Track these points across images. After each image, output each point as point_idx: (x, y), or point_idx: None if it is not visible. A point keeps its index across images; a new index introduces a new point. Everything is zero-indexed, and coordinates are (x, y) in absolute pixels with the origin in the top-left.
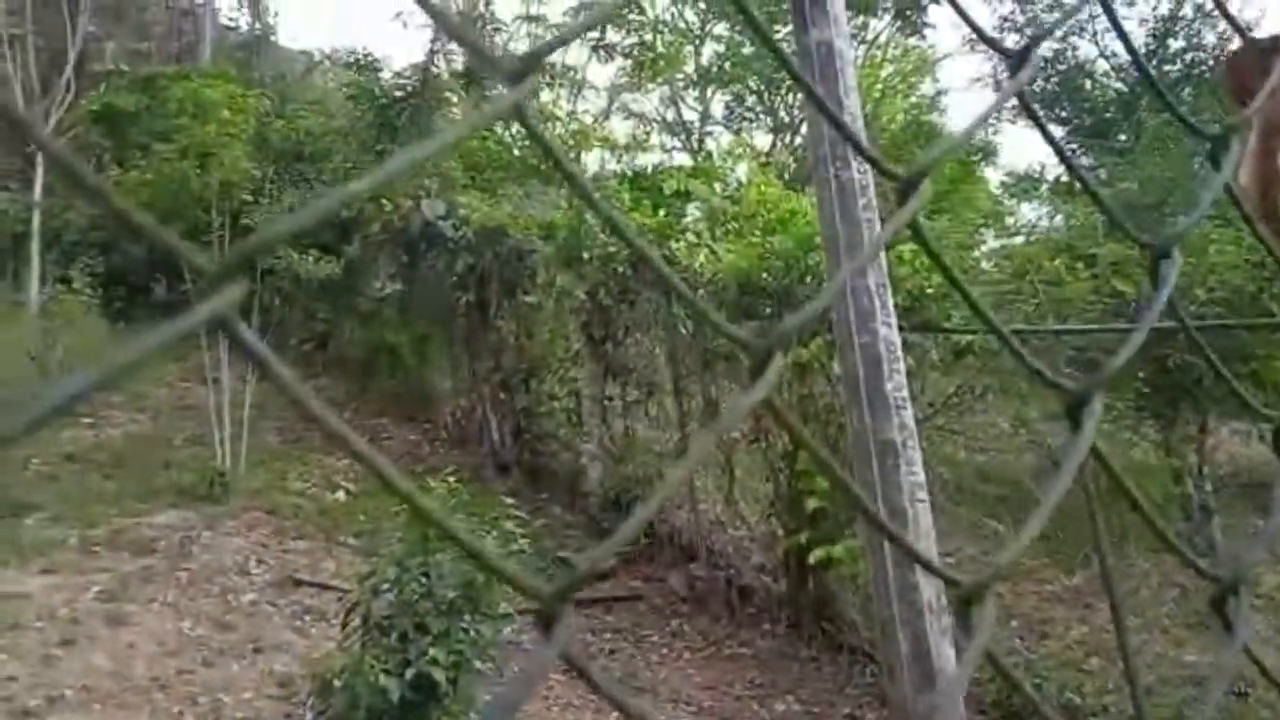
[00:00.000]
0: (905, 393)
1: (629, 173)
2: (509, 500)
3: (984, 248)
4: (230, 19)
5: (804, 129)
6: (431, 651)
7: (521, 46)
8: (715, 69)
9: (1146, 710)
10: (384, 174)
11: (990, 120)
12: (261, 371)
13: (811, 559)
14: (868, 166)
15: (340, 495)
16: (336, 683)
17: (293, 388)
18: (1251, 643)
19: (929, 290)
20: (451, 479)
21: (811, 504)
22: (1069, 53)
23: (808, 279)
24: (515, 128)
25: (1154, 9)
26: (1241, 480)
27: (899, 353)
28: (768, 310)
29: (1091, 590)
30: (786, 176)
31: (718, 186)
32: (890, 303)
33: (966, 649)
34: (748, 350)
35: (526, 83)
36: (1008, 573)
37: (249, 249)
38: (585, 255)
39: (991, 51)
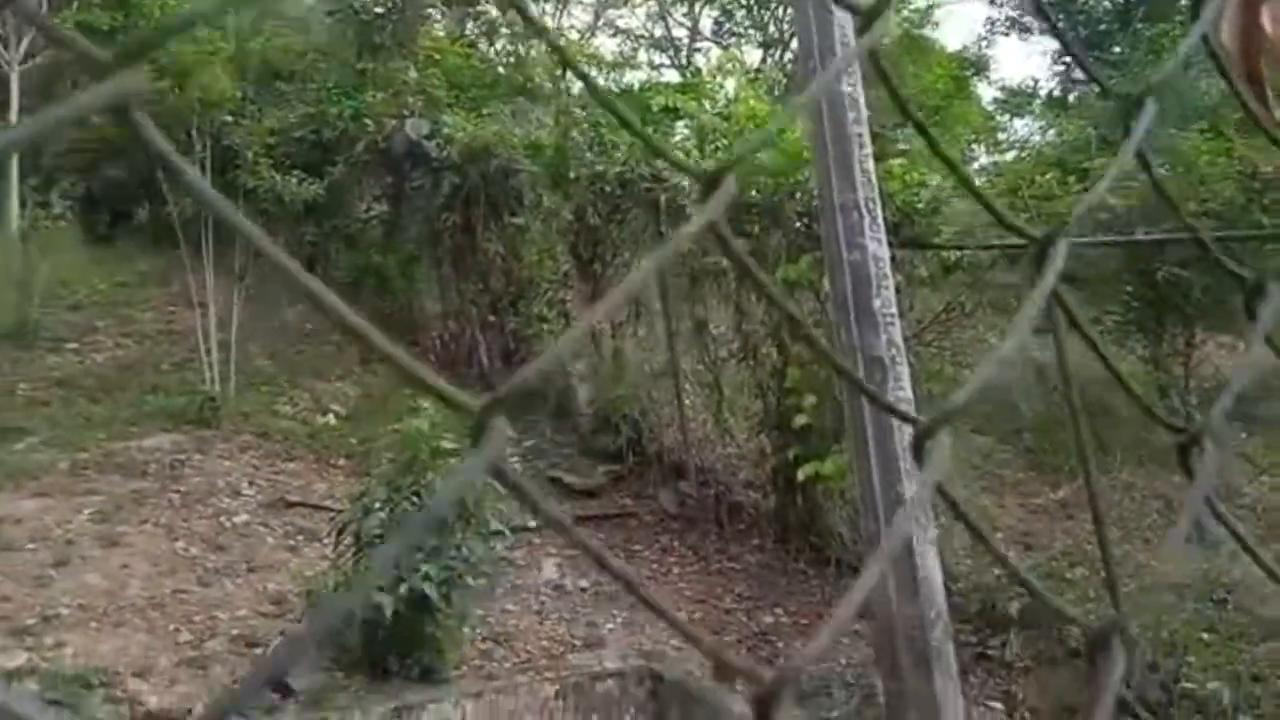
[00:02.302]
0: (894, 309)
1: (616, 90)
2: None
3: (976, 164)
4: None
5: (794, 44)
6: (424, 568)
7: None
8: None
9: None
10: None
11: (982, 34)
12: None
13: (800, 475)
14: (858, 80)
15: (330, 419)
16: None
17: (244, 226)
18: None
19: (919, 206)
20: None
21: (800, 420)
22: None
23: (797, 195)
24: (499, 44)
25: None
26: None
27: (888, 269)
28: (756, 227)
29: (1076, 503)
30: (776, 92)
31: (706, 103)
32: (880, 218)
33: (921, 483)
34: (697, 178)
35: None
36: (960, 413)
37: (148, 38)
38: (572, 174)
39: None
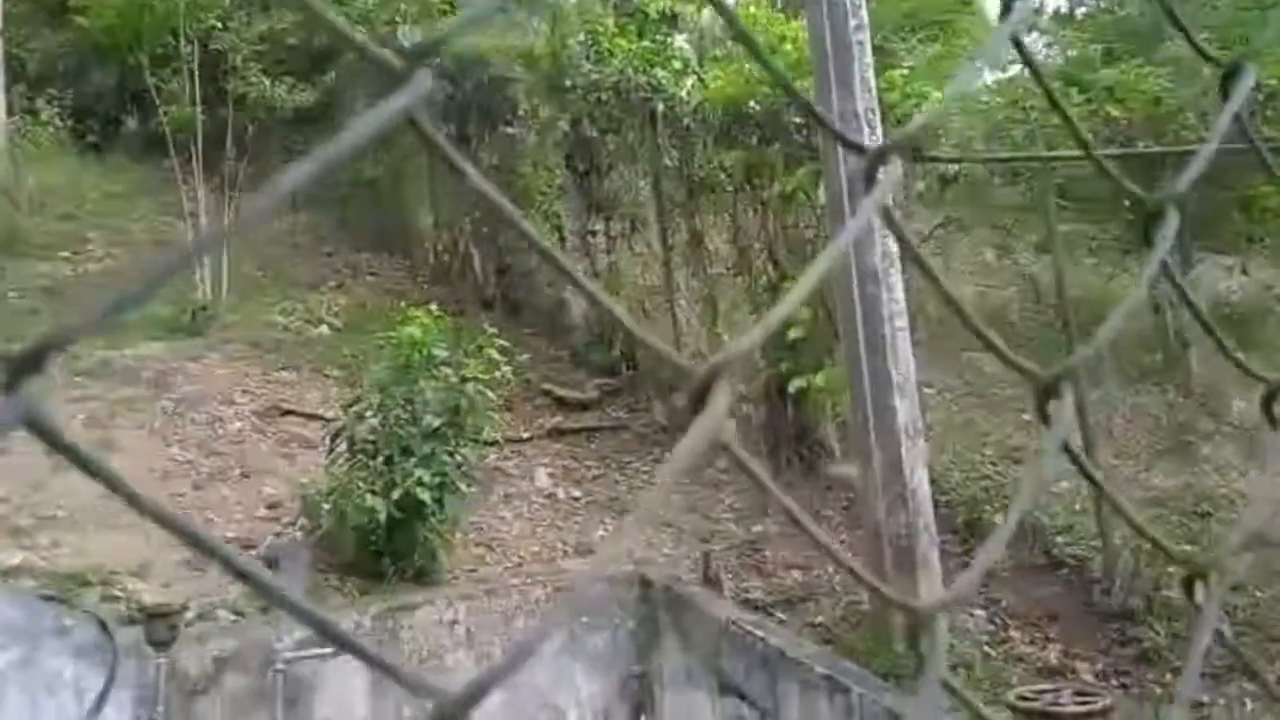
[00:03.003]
0: None
1: None
2: (492, 330)
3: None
4: None
5: None
6: (417, 473)
7: None
8: None
9: (1110, 527)
10: None
11: None
12: None
13: (791, 388)
14: None
15: (324, 329)
16: (324, 504)
17: None
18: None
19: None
20: (434, 309)
21: (793, 334)
22: None
23: (794, 106)
24: None
25: None
26: (1222, 312)
27: None
28: (755, 139)
29: None
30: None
31: (706, 11)
32: (880, 129)
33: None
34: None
35: None
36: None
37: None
38: (568, 84)
39: None
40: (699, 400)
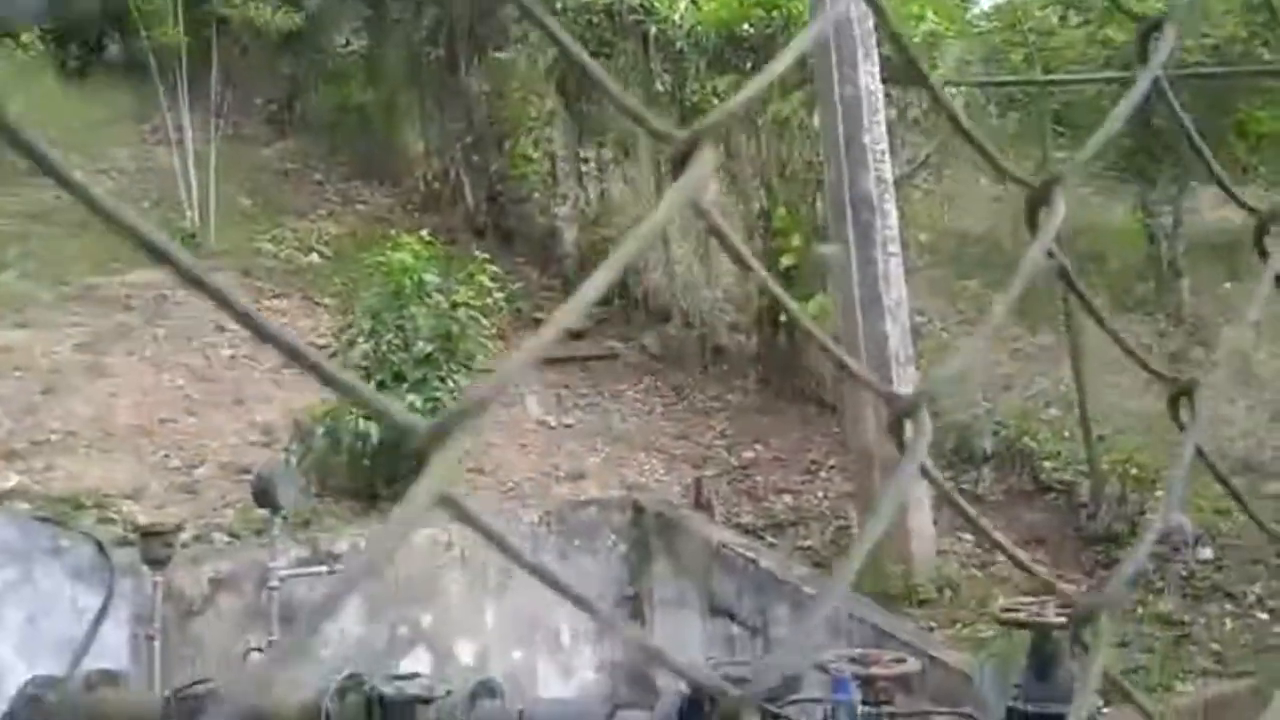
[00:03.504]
0: (885, 145)
1: None
2: (484, 256)
3: (978, 7)
4: None
5: None
6: (409, 398)
7: None
8: None
9: (1097, 453)
10: None
11: None
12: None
13: (784, 316)
14: None
15: (314, 258)
16: (318, 428)
17: None
18: None
19: (914, 40)
20: (425, 235)
21: (786, 261)
22: None
23: (790, 28)
24: None
25: None
26: (1215, 242)
27: (880, 104)
28: (749, 63)
29: (1057, 348)
30: None
31: None
32: (875, 52)
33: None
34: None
35: None
36: (1081, 173)
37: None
38: (559, 6)
39: None
40: (680, 164)
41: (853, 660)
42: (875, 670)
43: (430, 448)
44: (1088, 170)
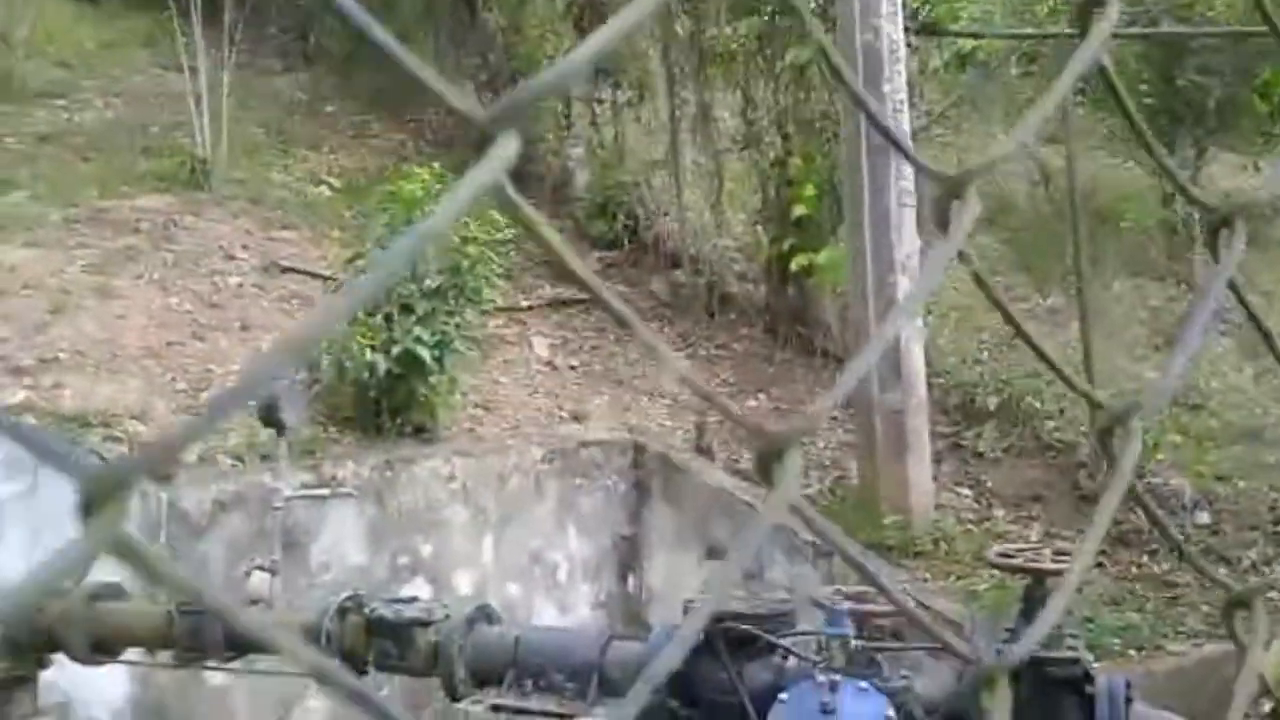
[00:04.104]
0: (904, 96)
1: None
2: None
3: None
4: None
5: None
6: (416, 331)
7: None
8: None
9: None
10: None
11: None
12: None
13: (794, 265)
14: None
15: (324, 190)
16: (324, 358)
17: None
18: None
19: None
20: (437, 168)
21: (798, 211)
22: None
23: None
24: None
25: None
26: (1231, 209)
27: (901, 53)
28: (769, 7)
29: (1065, 311)
30: None
31: None
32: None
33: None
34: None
35: None
36: (990, 170)
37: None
38: None
39: None
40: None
41: (848, 598)
42: (870, 607)
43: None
44: (1105, 131)
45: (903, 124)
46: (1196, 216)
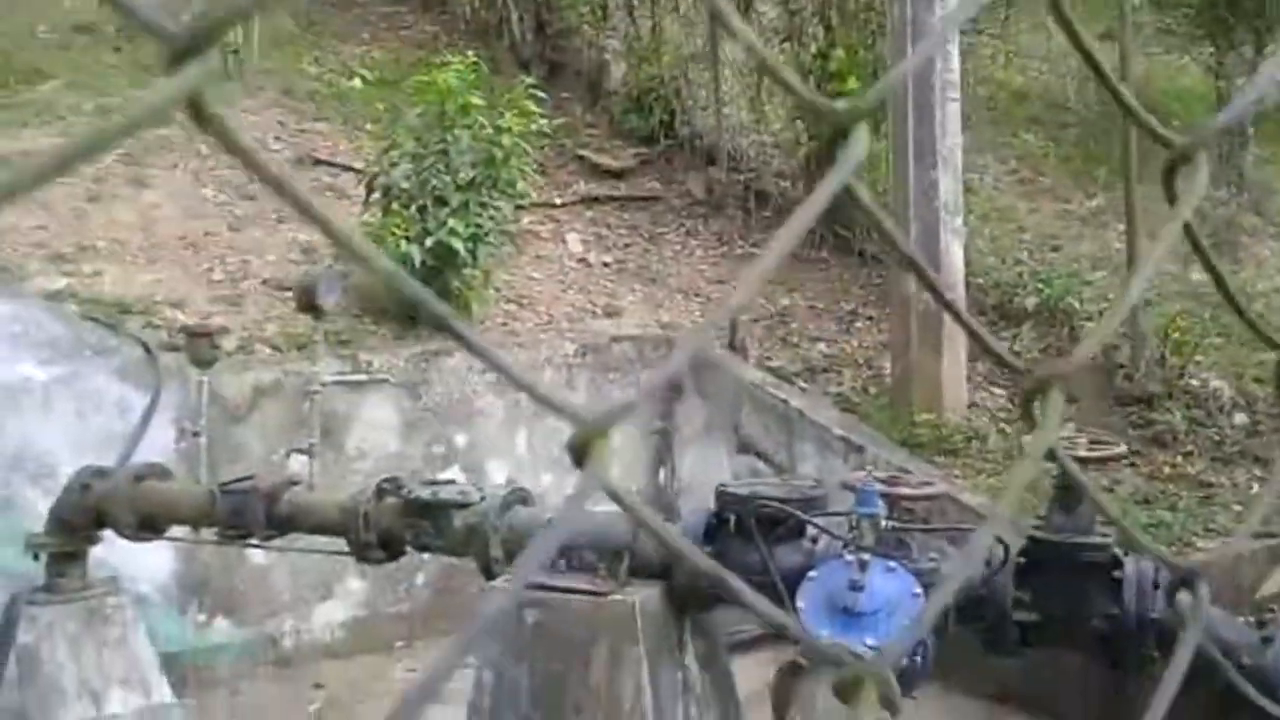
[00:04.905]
0: None
1: None
2: (529, 80)
3: None
4: None
5: None
6: (450, 223)
7: None
8: None
9: (1141, 316)
10: None
11: None
12: None
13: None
14: None
15: (357, 82)
16: None
17: None
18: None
19: None
20: (471, 57)
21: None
22: None
23: None
24: None
25: None
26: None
27: None
28: None
29: (1110, 211)
30: None
31: None
32: None
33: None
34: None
35: None
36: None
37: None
38: None
39: None
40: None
41: (879, 480)
42: (902, 490)
43: None
44: (1161, 25)
45: (951, 5)
46: (1251, 116)
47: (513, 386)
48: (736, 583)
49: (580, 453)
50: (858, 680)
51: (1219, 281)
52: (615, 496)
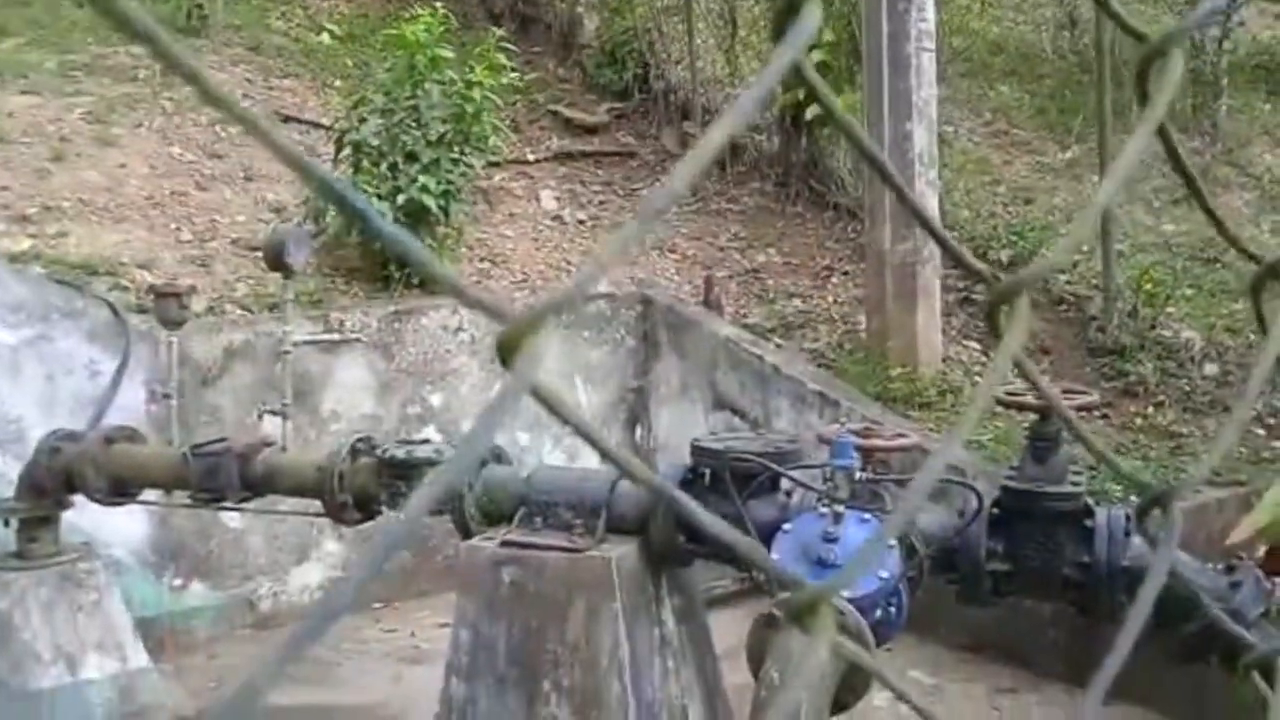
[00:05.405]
0: None
1: None
2: (500, 33)
3: None
4: None
5: None
6: (421, 179)
7: None
8: None
9: (1114, 267)
10: None
11: None
12: None
13: (808, 114)
14: None
15: (325, 37)
16: (329, 208)
17: None
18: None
19: None
20: (439, 8)
21: (816, 57)
22: None
23: None
24: None
25: None
26: (1260, 62)
27: None
28: None
29: (1083, 164)
30: None
31: None
32: None
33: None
34: None
35: None
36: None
37: None
38: None
39: None
40: None
41: (853, 432)
42: (875, 442)
43: None
44: None
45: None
46: (1225, 66)
47: (449, 294)
48: (698, 510)
49: (508, 351)
50: (813, 603)
51: (1190, 180)
52: (543, 398)
